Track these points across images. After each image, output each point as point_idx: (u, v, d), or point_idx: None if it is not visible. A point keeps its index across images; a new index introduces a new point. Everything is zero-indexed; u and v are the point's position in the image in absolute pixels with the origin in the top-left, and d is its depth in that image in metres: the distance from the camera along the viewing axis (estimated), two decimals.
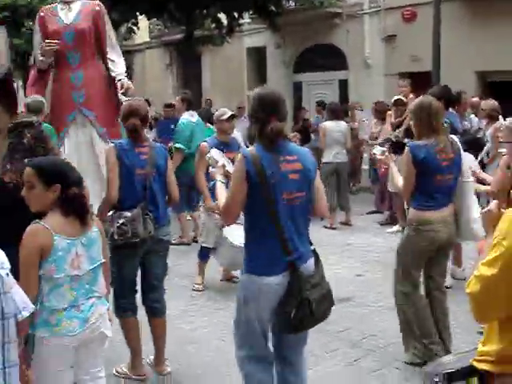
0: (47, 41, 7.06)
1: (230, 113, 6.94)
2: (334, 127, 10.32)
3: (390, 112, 9.80)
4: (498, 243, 2.27)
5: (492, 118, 7.96)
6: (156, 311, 4.88)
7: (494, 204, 2.63)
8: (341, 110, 10.84)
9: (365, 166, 13.18)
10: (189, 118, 9.10)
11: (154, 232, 4.59)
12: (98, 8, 7.23)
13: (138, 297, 4.89)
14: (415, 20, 13.91)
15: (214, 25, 15.53)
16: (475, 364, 2.48)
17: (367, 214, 11.25)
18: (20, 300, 2.64)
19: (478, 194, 5.75)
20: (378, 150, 5.42)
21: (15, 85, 7.37)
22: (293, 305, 3.42)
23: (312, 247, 3.65)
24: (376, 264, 7.75)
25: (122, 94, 7.07)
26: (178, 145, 8.97)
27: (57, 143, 6.68)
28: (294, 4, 14.96)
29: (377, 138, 10.77)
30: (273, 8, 14.53)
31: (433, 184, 4.67)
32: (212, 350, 5.34)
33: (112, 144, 4.73)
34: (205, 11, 14.71)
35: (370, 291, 6.75)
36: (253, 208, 3.48)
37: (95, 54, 7.30)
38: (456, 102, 9.42)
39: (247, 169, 3.40)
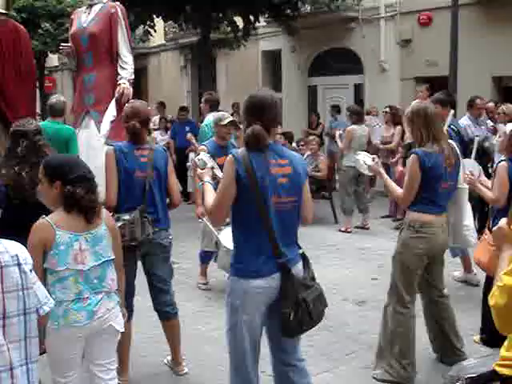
0: (62, 44, 7.18)
1: (228, 119, 6.89)
2: (360, 131, 10.34)
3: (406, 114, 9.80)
4: None
5: None
6: (167, 314, 4.89)
7: (503, 220, 2.61)
8: (363, 113, 10.83)
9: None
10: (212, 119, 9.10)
11: (152, 235, 4.58)
12: (113, 10, 7.27)
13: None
14: (431, 24, 13.88)
15: (229, 28, 15.55)
16: (497, 369, 2.47)
17: (381, 217, 11.25)
18: (42, 295, 2.73)
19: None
20: (365, 157, 5.25)
21: None
22: (290, 307, 3.37)
23: (301, 251, 3.60)
24: (390, 268, 7.73)
25: (116, 98, 7.10)
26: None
27: None
28: (309, 8, 14.92)
29: (389, 142, 10.81)
30: (289, 11, 14.51)
31: (437, 190, 4.63)
32: (224, 352, 5.35)
33: (111, 147, 4.69)
34: (221, 14, 14.73)
35: (385, 295, 6.72)
36: (241, 209, 3.43)
37: (108, 56, 7.33)
38: (469, 106, 9.45)
39: (237, 169, 3.35)
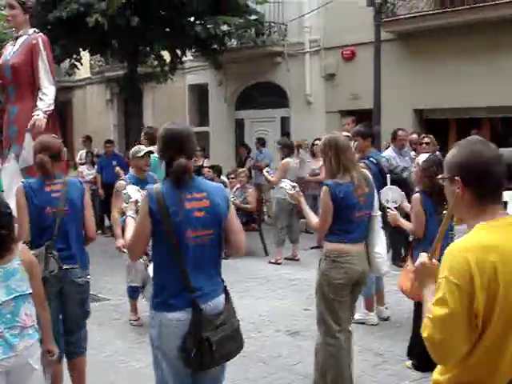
0: None
1: (145, 150, 6.93)
2: (293, 163, 10.47)
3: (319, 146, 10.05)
4: (443, 279, 2.29)
5: None
6: (71, 354, 4.73)
7: (424, 256, 2.61)
8: (294, 146, 10.99)
9: None
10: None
11: (58, 271, 4.42)
12: (34, 41, 7.15)
13: None
14: (354, 59, 14.28)
15: (156, 62, 15.55)
16: None
17: (311, 248, 11.36)
18: None
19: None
20: (287, 184, 5.30)
21: None
22: (192, 343, 3.32)
23: (223, 284, 3.58)
24: None
25: (28, 129, 6.97)
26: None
27: None
28: (236, 42, 15.11)
29: (317, 174, 11.00)
30: (215, 46, 14.65)
31: (351, 220, 4.71)
32: None
33: (21, 183, 4.59)
34: (148, 48, 14.73)
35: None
36: (157, 244, 3.44)
37: (30, 87, 7.19)
38: (393, 139, 9.76)
39: (150, 206, 3.34)
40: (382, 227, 5.16)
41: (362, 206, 4.76)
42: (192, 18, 13.77)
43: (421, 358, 5.07)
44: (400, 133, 9.84)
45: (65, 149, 5.08)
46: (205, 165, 13.03)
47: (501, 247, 2.27)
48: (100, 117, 21.67)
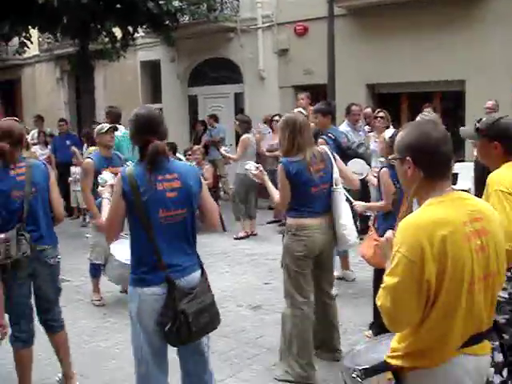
0: None
1: (108, 126, 7.04)
2: (253, 139, 10.55)
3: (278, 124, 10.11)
4: (396, 252, 2.44)
5: None
6: (52, 328, 4.87)
7: (390, 232, 2.78)
8: (251, 121, 11.00)
9: None
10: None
11: (31, 253, 4.48)
12: None
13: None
14: (307, 34, 14.32)
15: (107, 39, 15.33)
16: (389, 360, 2.63)
17: (267, 223, 11.50)
18: None
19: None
20: (251, 166, 5.51)
21: None
22: (169, 317, 3.46)
23: (198, 260, 3.72)
24: (281, 271, 7.85)
25: None
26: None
27: None
28: (188, 18, 14.98)
29: (276, 150, 11.08)
30: (168, 22, 14.51)
31: (309, 195, 4.89)
32: (130, 366, 5.31)
33: None
34: (99, 25, 14.49)
35: (278, 298, 6.89)
36: (132, 224, 3.59)
37: None
38: (347, 113, 9.90)
39: (123, 188, 3.50)
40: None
41: (319, 181, 4.93)
42: None
43: (381, 327, 5.25)
44: (353, 108, 9.98)
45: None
46: None
47: (449, 221, 2.43)
48: (50, 95, 21.28)
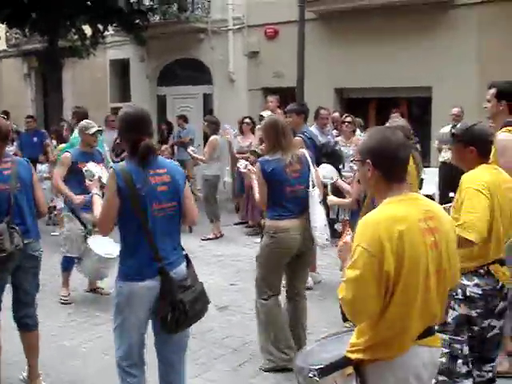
0: None
1: (95, 128, 7.00)
2: (222, 141, 10.57)
3: (258, 126, 10.13)
4: (357, 246, 2.61)
5: None
6: (27, 326, 4.88)
7: (349, 237, 2.99)
8: (220, 123, 10.98)
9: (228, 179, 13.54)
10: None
11: (23, 246, 4.56)
12: None
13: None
14: (277, 37, 14.42)
15: (76, 36, 15.21)
16: (349, 355, 2.78)
17: (234, 224, 11.54)
18: None
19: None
20: (241, 164, 5.78)
21: None
22: (167, 307, 3.63)
23: (184, 252, 3.91)
24: (247, 273, 7.99)
25: None
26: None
27: None
28: (159, 18, 14.95)
29: (246, 151, 11.13)
30: (138, 21, 14.47)
31: (284, 195, 5.04)
32: (97, 364, 5.34)
33: None
34: (68, 22, 14.37)
35: (245, 299, 6.97)
36: (125, 219, 3.67)
37: None
38: (315, 117, 10.00)
39: (118, 184, 3.60)
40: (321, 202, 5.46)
41: (294, 182, 5.08)
42: None
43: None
44: (322, 111, 10.07)
45: None
46: None
47: (406, 218, 2.64)
48: (17, 92, 21.02)
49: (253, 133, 11.08)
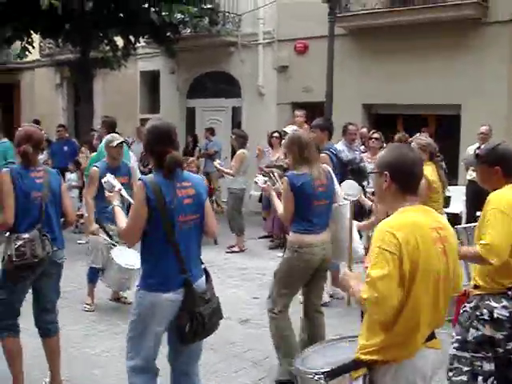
0: None
1: (118, 140, 7.09)
2: (248, 155, 10.62)
3: (283, 141, 10.14)
4: (376, 248, 2.79)
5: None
6: (48, 331, 4.95)
7: (347, 270, 3.23)
8: (247, 137, 11.01)
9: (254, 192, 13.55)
10: None
11: (51, 253, 4.67)
12: None
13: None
14: (307, 52, 14.45)
15: (109, 47, 15.39)
16: (361, 357, 2.89)
17: (259, 238, 11.55)
18: None
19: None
20: (259, 179, 5.72)
21: None
22: (187, 319, 3.69)
23: (203, 266, 3.95)
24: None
25: None
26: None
27: None
28: (190, 31, 15.05)
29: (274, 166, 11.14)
30: (169, 34, 14.61)
31: (310, 209, 5.05)
32: (118, 374, 5.37)
33: (7, 169, 4.77)
34: (101, 34, 14.55)
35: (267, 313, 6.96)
36: (151, 230, 3.71)
37: None
38: (343, 133, 10.00)
39: (148, 196, 3.66)
40: None
41: (321, 196, 5.12)
42: (146, 5, 13.66)
43: None
44: (350, 127, 10.07)
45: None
46: None
47: (420, 225, 2.87)
48: (49, 101, 21.31)
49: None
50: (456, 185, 11.18)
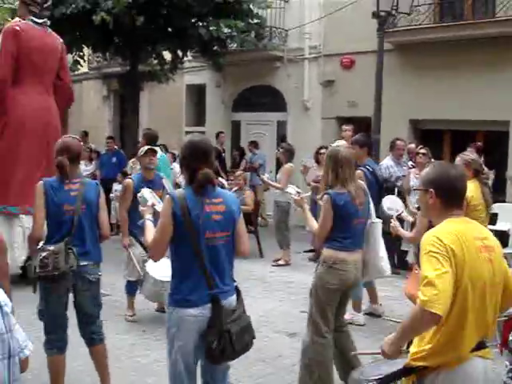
0: None
1: (146, 148, 7.16)
2: (294, 169, 10.70)
3: None
4: (427, 253, 2.88)
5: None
6: (92, 341, 5.02)
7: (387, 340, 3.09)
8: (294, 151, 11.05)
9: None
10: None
11: (76, 267, 4.68)
12: None
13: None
14: (353, 67, 14.46)
15: (156, 61, 15.65)
16: (412, 363, 2.97)
17: (304, 252, 11.56)
18: (21, 337, 2.64)
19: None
20: (292, 190, 5.67)
21: None
22: (214, 336, 3.63)
23: (235, 283, 3.90)
24: None
25: None
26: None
27: None
28: (236, 45, 15.21)
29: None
30: (216, 48, 14.79)
31: (349, 227, 5.01)
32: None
33: (41, 182, 4.84)
34: (150, 47, 14.80)
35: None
36: (178, 245, 3.73)
37: None
38: (391, 148, 10.03)
39: (174, 210, 3.67)
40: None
41: (360, 214, 5.09)
42: (194, 20, 13.87)
43: None
44: (398, 142, 10.10)
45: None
46: None
47: (465, 233, 2.98)
48: (96, 113, 21.68)
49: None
50: (504, 201, 11.04)
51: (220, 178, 11.74)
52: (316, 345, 5.05)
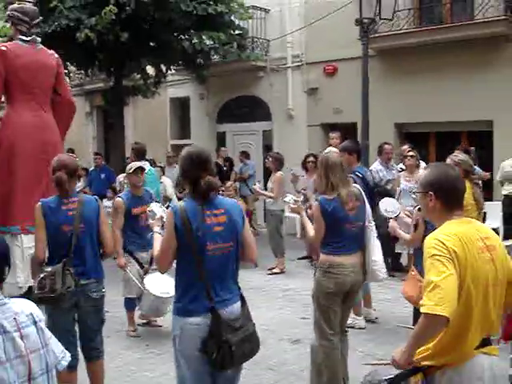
0: None
1: (136, 166, 7.20)
2: (284, 176, 10.78)
3: None
4: (431, 257, 2.92)
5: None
6: (91, 355, 5.05)
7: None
8: (283, 159, 11.12)
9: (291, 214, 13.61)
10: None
11: (74, 287, 4.70)
12: None
13: None
14: (336, 74, 14.61)
15: (139, 76, 15.65)
16: (418, 363, 3.04)
17: (298, 259, 11.64)
18: (58, 350, 2.73)
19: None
20: (289, 199, 5.68)
21: None
22: (213, 346, 3.65)
23: (240, 291, 3.92)
24: None
25: None
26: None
27: None
28: (219, 57, 15.28)
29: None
30: (200, 60, 14.84)
31: (343, 232, 5.10)
32: None
33: (39, 203, 4.85)
34: (133, 63, 14.79)
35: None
36: (181, 257, 3.78)
37: None
38: (379, 153, 10.16)
39: (175, 222, 3.72)
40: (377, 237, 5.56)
41: (353, 218, 5.16)
42: (177, 34, 13.91)
43: None
44: (386, 146, 10.23)
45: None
46: None
47: (466, 235, 3.02)
48: (79, 129, 21.60)
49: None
50: (490, 200, 11.21)
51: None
52: (323, 348, 5.15)
